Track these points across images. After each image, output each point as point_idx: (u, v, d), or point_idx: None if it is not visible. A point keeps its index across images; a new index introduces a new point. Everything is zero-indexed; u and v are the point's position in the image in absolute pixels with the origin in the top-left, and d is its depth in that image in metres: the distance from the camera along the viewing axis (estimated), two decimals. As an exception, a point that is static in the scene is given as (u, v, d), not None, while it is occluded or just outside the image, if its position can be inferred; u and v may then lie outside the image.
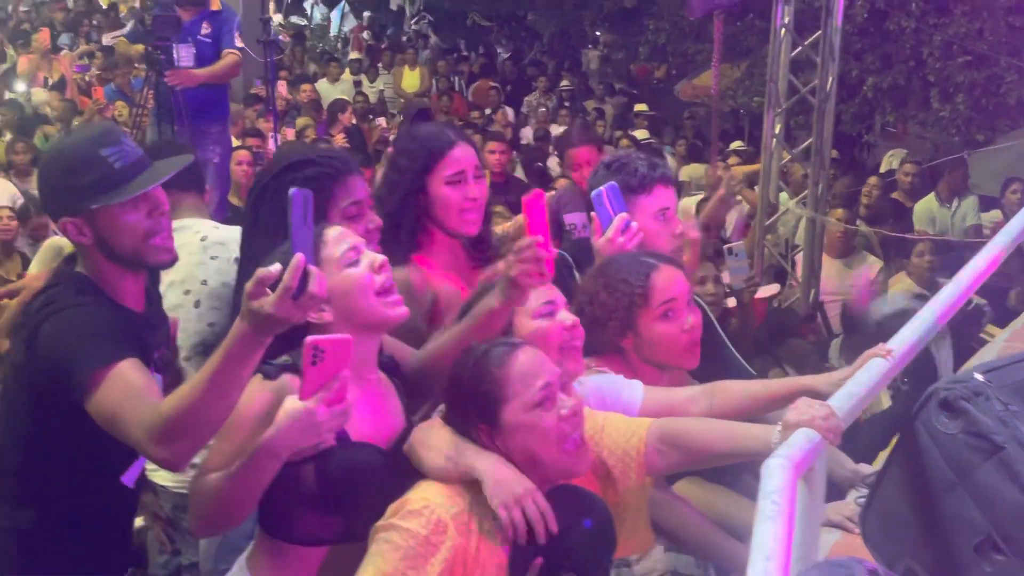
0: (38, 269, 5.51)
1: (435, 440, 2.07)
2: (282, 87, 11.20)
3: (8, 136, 9.12)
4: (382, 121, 11.38)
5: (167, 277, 2.89)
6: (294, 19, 19.16)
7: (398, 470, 2.09)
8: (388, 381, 2.27)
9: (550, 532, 1.96)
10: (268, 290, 1.83)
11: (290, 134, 9.62)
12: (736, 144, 10.90)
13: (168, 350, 2.62)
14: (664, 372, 2.60)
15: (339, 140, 9.31)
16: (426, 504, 1.94)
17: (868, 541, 2.08)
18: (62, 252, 4.63)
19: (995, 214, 8.03)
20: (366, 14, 20.06)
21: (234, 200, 6.77)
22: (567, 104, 13.89)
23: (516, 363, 2.03)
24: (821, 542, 2.27)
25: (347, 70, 14.69)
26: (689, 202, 7.36)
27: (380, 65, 15.41)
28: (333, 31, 19.76)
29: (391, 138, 10.08)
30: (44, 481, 2.35)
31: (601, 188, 2.82)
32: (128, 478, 2.43)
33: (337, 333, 1.98)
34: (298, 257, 1.83)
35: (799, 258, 7.46)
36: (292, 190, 1.87)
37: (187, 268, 3.10)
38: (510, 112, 13.67)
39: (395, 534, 1.91)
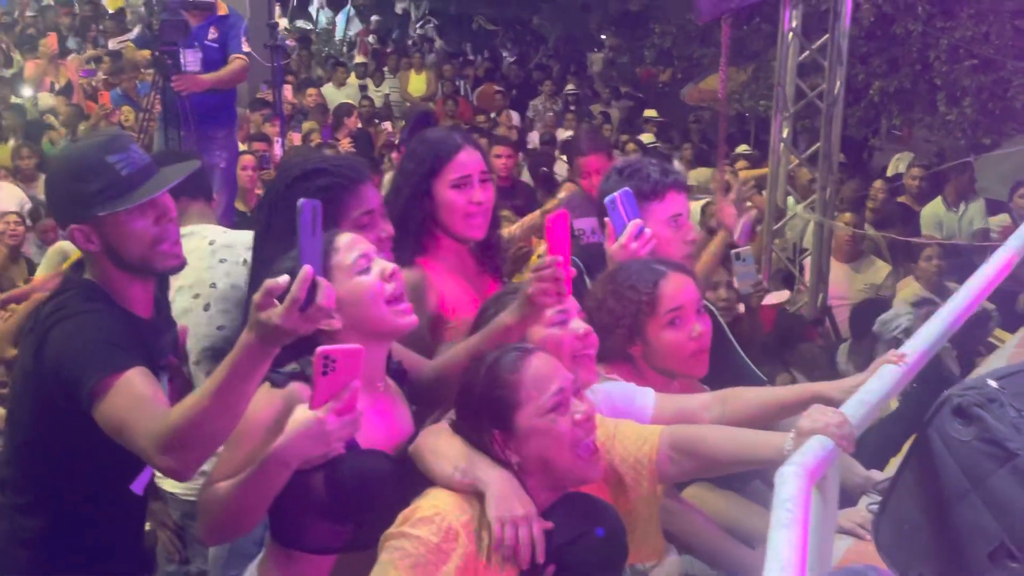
0: (44, 273, 5.52)
1: (444, 448, 2.06)
2: (287, 91, 11.20)
3: (14, 141, 9.13)
4: (388, 125, 11.36)
5: (176, 282, 2.89)
6: (299, 23, 19.17)
7: (407, 477, 2.08)
8: (396, 387, 2.26)
9: (559, 542, 1.95)
10: (276, 301, 1.82)
11: (296, 138, 9.61)
12: (742, 148, 10.89)
13: (176, 357, 2.61)
14: (674, 379, 2.59)
15: (345, 144, 9.27)
16: (437, 511, 1.93)
17: (881, 548, 2.07)
18: (67, 255, 4.64)
19: (1003, 218, 7.99)
20: (372, 18, 20.04)
21: (240, 206, 6.77)
22: (573, 108, 13.85)
23: (529, 368, 2.03)
24: (834, 549, 2.26)
25: (353, 74, 14.65)
26: (694, 206, 7.35)
27: (386, 69, 15.38)
28: (339, 35, 19.74)
29: (396, 142, 10.09)
30: (53, 488, 2.35)
31: (615, 194, 2.81)
32: (137, 486, 2.42)
33: (346, 341, 1.98)
34: (306, 269, 1.82)
35: (807, 262, 7.44)
36: (300, 201, 1.86)
37: (196, 272, 3.10)
38: (515, 116, 13.64)
39: (406, 542, 1.90)
